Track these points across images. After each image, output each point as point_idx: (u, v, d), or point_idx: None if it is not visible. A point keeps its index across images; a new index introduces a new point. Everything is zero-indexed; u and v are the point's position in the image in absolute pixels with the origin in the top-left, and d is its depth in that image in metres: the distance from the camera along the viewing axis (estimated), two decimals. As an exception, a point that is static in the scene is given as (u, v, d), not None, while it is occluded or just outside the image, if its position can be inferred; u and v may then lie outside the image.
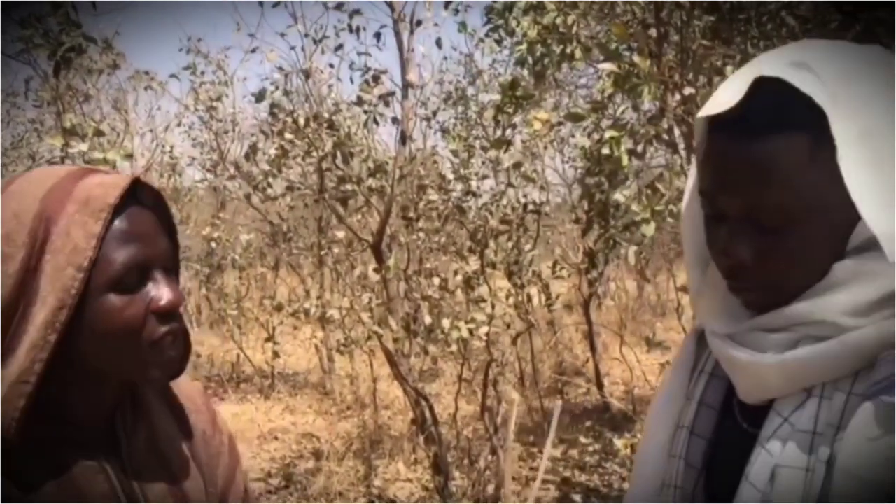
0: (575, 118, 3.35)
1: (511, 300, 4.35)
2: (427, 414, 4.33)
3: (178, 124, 7.50)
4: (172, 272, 0.91)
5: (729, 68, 3.21)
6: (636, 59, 3.11)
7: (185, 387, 1.06)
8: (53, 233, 0.82)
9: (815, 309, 0.76)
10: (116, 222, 0.84)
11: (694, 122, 0.84)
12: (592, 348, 6.10)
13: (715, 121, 0.77)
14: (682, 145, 3.46)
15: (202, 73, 6.41)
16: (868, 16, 2.99)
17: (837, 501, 0.71)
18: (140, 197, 0.88)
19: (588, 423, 5.73)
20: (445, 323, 3.63)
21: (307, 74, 4.70)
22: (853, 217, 0.73)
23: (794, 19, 3.41)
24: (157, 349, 0.87)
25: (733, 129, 0.75)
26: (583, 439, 5.48)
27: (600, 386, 6.09)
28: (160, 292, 0.87)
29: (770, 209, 0.75)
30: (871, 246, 0.73)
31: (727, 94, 0.75)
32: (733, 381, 0.85)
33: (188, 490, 0.97)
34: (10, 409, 0.80)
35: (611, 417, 5.81)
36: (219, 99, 6.60)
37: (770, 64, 0.74)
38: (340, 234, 4.47)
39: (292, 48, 4.98)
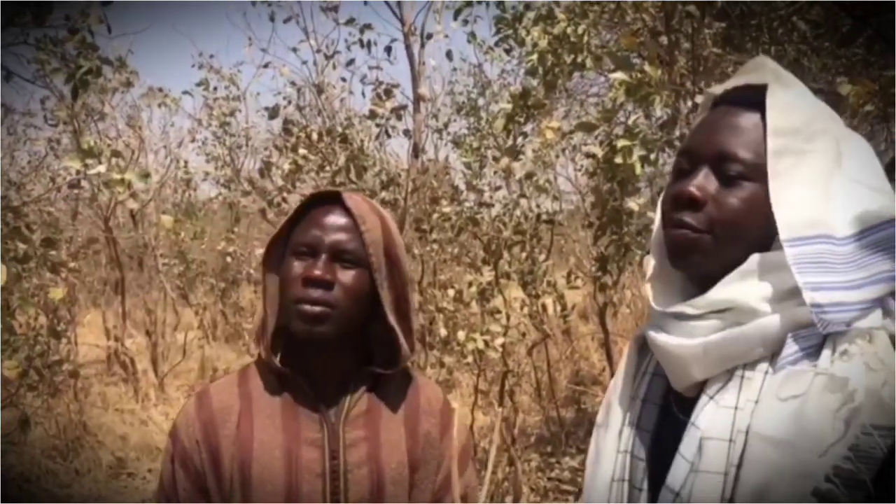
0: (587, 128, 3.35)
1: (526, 310, 4.35)
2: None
3: (192, 140, 7.56)
4: (346, 263, 1.18)
5: (741, 75, 3.20)
6: (647, 68, 3.11)
7: (429, 391, 1.29)
8: None
9: (737, 296, 0.87)
10: (310, 213, 1.21)
11: (702, 99, 1.01)
12: (609, 357, 6.07)
13: (717, 101, 0.96)
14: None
15: (215, 88, 6.46)
16: (878, 20, 2.98)
17: (750, 463, 0.80)
18: (345, 206, 1.19)
19: (606, 433, 5.69)
20: (461, 335, 3.64)
21: (319, 89, 4.73)
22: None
23: (805, 24, 3.40)
24: (294, 305, 1.15)
25: (727, 103, 0.94)
26: (600, 449, 5.45)
27: (617, 394, 6.06)
28: (314, 266, 1.16)
29: (733, 157, 0.89)
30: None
31: (732, 82, 0.95)
32: (666, 370, 0.95)
33: (385, 468, 1.18)
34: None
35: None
36: (232, 114, 6.65)
37: (771, 70, 0.94)
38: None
39: (304, 63, 5.03)
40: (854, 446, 0.76)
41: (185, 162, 7.65)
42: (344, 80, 5.33)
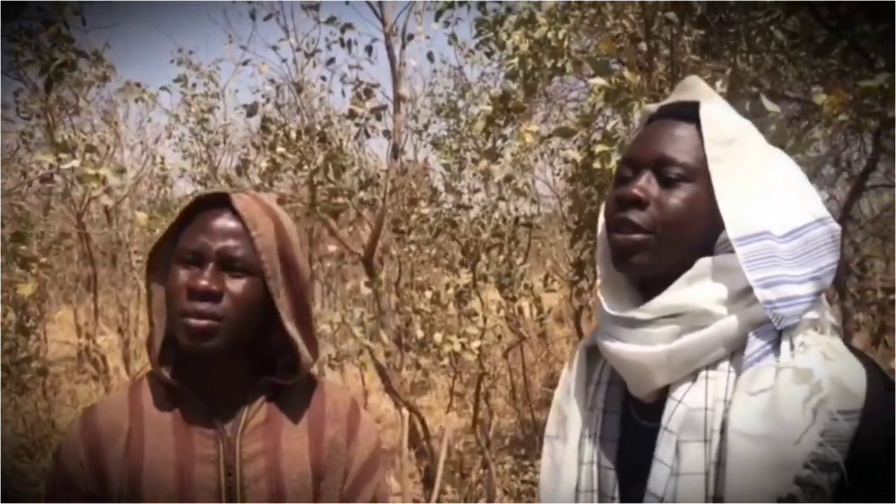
0: (565, 133, 3.37)
1: (502, 313, 4.35)
2: (419, 428, 4.32)
3: (169, 136, 7.47)
4: (236, 271, 1.11)
5: (718, 83, 3.23)
6: (626, 74, 3.13)
7: (336, 396, 1.24)
8: None
9: (689, 300, 0.91)
10: (196, 218, 1.13)
11: (638, 117, 1.14)
12: (584, 360, 6.10)
13: (652, 117, 1.03)
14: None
15: (193, 85, 6.38)
16: (853, 31, 3.02)
17: (734, 460, 0.83)
18: (232, 209, 1.12)
19: (580, 436, 5.72)
20: (437, 337, 3.63)
21: (299, 87, 4.70)
22: (722, 223, 0.93)
23: (782, 34, 3.44)
24: (180, 318, 1.08)
25: (663, 117, 1.00)
26: (574, 452, 5.47)
27: (591, 398, 6.09)
28: (200, 276, 1.08)
29: (673, 161, 0.94)
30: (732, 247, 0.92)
31: (668, 101, 1.02)
32: (626, 379, 0.97)
33: (286, 480, 1.13)
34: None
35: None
36: (210, 111, 6.57)
37: (702, 89, 1.00)
38: (332, 248, 4.46)
39: (284, 61, 4.96)
40: (824, 432, 0.81)
41: (162, 158, 7.56)
42: (324, 78, 5.31)
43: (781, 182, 0.95)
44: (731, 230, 0.91)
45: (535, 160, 5.80)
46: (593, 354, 1.05)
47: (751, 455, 0.83)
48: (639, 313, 0.94)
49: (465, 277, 3.94)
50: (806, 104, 3.54)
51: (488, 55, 4.27)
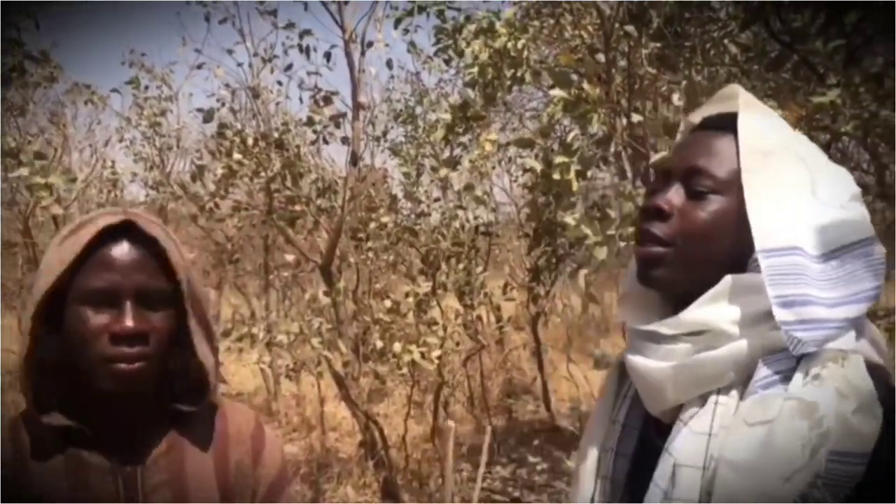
0: (524, 143, 3.38)
1: (460, 320, 4.35)
2: (377, 437, 4.29)
3: (120, 140, 7.29)
4: (154, 304, 1.04)
5: (675, 95, 3.28)
6: (585, 85, 3.15)
7: (240, 417, 1.19)
8: (61, 246, 1.03)
9: (711, 318, 0.86)
10: (100, 250, 1.02)
11: (682, 126, 1.04)
12: (540, 366, 6.15)
13: (698, 127, 0.98)
14: (629, 170, 3.52)
15: (146, 87, 6.24)
16: (804, 47, 3.10)
17: (719, 489, 0.80)
18: (138, 236, 1.04)
19: (536, 442, 5.75)
20: (397, 346, 3.61)
21: (255, 93, 4.64)
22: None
23: (736, 47, 3.51)
24: (104, 364, 1.00)
25: (706, 128, 0.96)
26: (531, 458, 5.50)
27: (548, 404, 6.13)
28: (120, 319, 1.00)
29: (703, 172, 0.90)
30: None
31: (708, 110, 0.98)
32: (640, 393, 0.95)
33: None
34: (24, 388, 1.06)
35: (559, 435, 5.85)
36: (163, 114, 6.43)
37: (742, 97, 0.95)
38: (289, 257, 4.40)
39: (240, 65, 4.89)
40: (821, 473, 0.76)
41: (112, 162, 7.39)
42: (280, 83, 5.25)
43: (825, 199, 0.89)
44: (758, 241, 0.85)
45: (493, 167, 5.83)
46: (625, 369, 1.01)
47: (735, 486, 0.79)
48: (661, 328, 0.90)
49: (424, 286, 3.93)
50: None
51: (447, 63, 4.27)
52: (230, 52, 4.83)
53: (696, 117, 0.99)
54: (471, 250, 4.39)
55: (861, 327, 0.86)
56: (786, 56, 3.16)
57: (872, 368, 0.82)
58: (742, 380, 0.85)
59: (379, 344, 3.72)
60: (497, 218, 5.93)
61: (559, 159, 3.17)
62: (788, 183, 0.89)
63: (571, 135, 3.60)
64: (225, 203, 4.74)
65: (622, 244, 3.08)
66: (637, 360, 0.93)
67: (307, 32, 4.25)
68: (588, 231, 2.94)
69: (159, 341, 1.04)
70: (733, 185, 0.89)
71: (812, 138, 2.89)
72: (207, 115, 4.31)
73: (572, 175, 3.15)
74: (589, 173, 3.64)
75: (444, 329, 3.80)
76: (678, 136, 1.04)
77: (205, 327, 1.12)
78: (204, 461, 1.12)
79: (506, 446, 5.62)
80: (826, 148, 3.28)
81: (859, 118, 2.59)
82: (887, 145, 3.69)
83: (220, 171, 4.31)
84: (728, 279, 0.87)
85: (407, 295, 3.96)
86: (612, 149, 3.44)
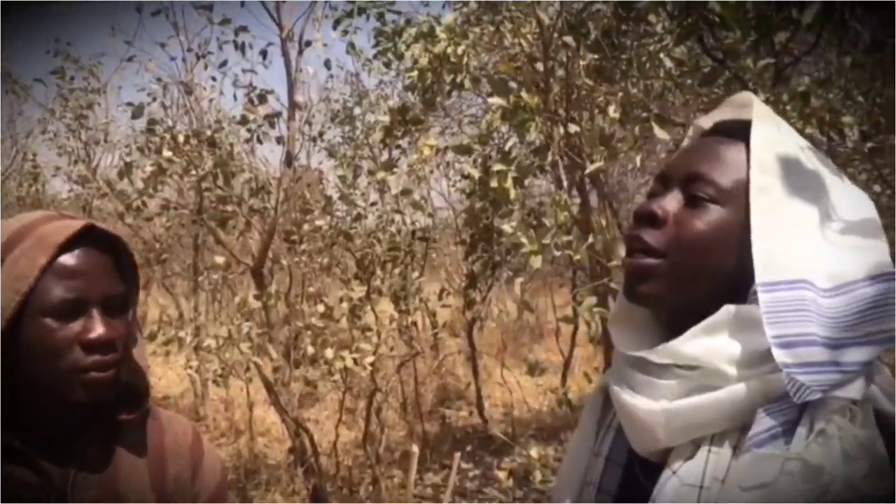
0: (463, 150, 3.37)
1: (395, 325, 4.31)
2: (307, 443, 4.21)
3: (43, 132, 7.00)
4: (117, 310, 1.02)
5: (611, 107, 3.32)
6: (524, 94, 3.17)
7: (178, 428, 1.16)
8: (7, 261, 0.97)
9: (702, 353, 0.77)
10: (62, 259, 0.98)
11: (690, 129, 0.96)
12: (475, 372, 6.15)
13: (706, 133, 0.91)
14: (565, 179, 3.55)
15: (72, 78, 6.00)
16: (736, 64, 3.18)
17: None
18: (95, 240, 1.01)
19: (469, 448, 5.75)
20: (329, 352, 3.54)
21: (188, 88, 4.51)
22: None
23: (670, 61, 3.57)
24: (78, 374, 0.98)
25: (712, 134, 0.89)
26: (464, 465, 5.49)
27: (481, 410, 6.13)
28: (91, 327, 0.98)
29: (705, 178, 0.82)
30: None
31: (719, 115, 0.91)
32: (626, 431, 0.86)
33: None
34: None
35: (491, 442, 5.86)
36: (90, 107, 6.20)
37: (756, 107, 0.87)
38: (220, 259, 4.29)
39: (172, 59, 4.76)
40: None
41: (34, 155, 7.09)
42: (214, 79, 5.11)
43: (842, 226, 0.80)
44: (760, 272, 0.76)
45: (431, 171, 5.81)
46: (609, 396, 0.92)
47: None
48: (651, 356, 0.81)
49: (359, 291, 3.87)
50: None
51: (387, 66, 4.23)
52: (163, 45, 4.68)
53: (707, 122, 0.92)
54: (407, 255, 4.35)
55: (871, 372, 0.76)
56: (718, 72, 3.23)
57: (882, 420, 0.74)
58: (737, 426, 0.77)
59: (310, 349, 3.65)
60: (434, 223, 5.91)
61: (497, 167, 3.17)
62: (800, 206, 0.80)
63: (509, 143, 3.60)
64: (153, 201, 4.59)
65: (557, 253, 3.10)
66: (625, 396, 0.83)
67: (243, 29, 4.15)
68: (524, 239, 2.94)
69: (123, 345, 1.03)
70: (737, 198, 0.81)
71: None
72: (137, 110, 4.16)
73: (509, 183, 3.15)
74: (526, 181, 3.66)
75: (378, 335, 3.76)
76: (685, 141, 0.95)
77: (138, 330, 1.10)
78: (140, 474, 1.09)
79: (438, 453, 5.59)
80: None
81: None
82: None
83: (148, 169, 4.17)
84: (727, 310, 0.78)
85: (341, 300, 3.90)
86: (549, 158, 3.46)
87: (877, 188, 4.10)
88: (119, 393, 1.07)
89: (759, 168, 0.80)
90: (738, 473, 0.73)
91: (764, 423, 0.73)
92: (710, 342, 0.78)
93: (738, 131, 0.84)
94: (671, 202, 0.83)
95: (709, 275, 0.81)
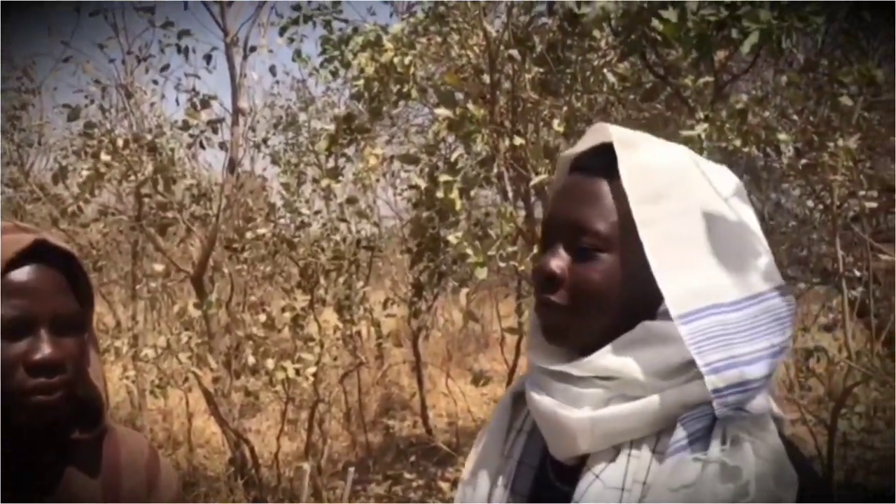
0: (409, 160, 3.37)
1: (338, 334, 4.27)
2: (247, 455, 4.14)
3: (-29, 132, 6.72)
4: (68, 329, 0.97)
5: (556, 120, 3.36)
6: (470, 105, 3.18)
7: (133, 444, 1.14)
8: None
9: (623, 366, 0.83)
10: (9, 275, 0.94)
11: (558, 163, 0.98)
12: (420, 381, 6.13)
13: (573, 166, 0.93)
14: (510, 191, 3.57)
15: (4, 78, 5.80)
16: (676, 82, 3.26)
17: None
18: (47, 256, 0.97)
19: (413, 459, 5.72)
20: (270, 362, 3.49)
21: (128, 92, 4.39)
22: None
23: (613, 76, 3.63)
24: (21, 397, 0.93)
25: (581, 170, 0.90)
26: (407, 475, 5.46)
27: (426, 420, 6.11)
28: (37, 347, 0.94)
29: (586, 230, 0.85)
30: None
31: (582, 145, 0.92)
32: (545, 436, 0.89)
33: None
34: None
35: (435, 452, 5.84)
36: (23, 108, 5.99)
37: (615, 134, 0.89)
38: (159, 267, 4.18)
39: (111, 61, 4.61)
40: None
41: (-38, 156, 6.80)
42: (156, 83, 4.99)
43: (732, 235, 0.85)
44: (673, 308, 0.81)
45: (378, 180, 5.79)
46: (520, 401, 0.96)
47: None
48: (572, 369, 0.86)
49: (301, 300, 3.82)
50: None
51: (333, 74, 4.20)
52: (101, 47, 4.55)
53: (571, 154, 0.95)
54: (351, 264, 4.32)
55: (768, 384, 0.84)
56: (659, 88, 3.30)
57: (778, 424, 0.83)
58: (655, 432, 0.83)
59: (252, 359, 3.59)
60: (380, 232, 5.89)
61: (443, 177, 3.18)
62: (689, 226, 0.84)
63: (456, 153, 3.61)
64: (90, 206, 4.46)
65: (503, 264, 3.12)
66: (545, 403, 0.87)
67: (186, 33, 4.07)
68: (470, 250, 2.95)
69: (74, 366, 0.98)
70: (619, 239, 0.85)
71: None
72: (74, 113, 4.03)
73: (455, 194, 3.16)
74: (472, 192, 3.68)
75: (322, 345, 3.71)
76: (556, 174, 0.99)
77: (94, 347, 1.07)
78: (93, 492, 1.06)
79: (381, 463, 5.55)
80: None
81: (724, 151, 2.73)
82: (748, 176, 3.93)
83: (85, 173, 4.04)
84: (643, 326, 0.85)
85: (283, 309, 3.85)
86: (495, 169, 3.48)
87: (810, 203, 4.25)
88: (72, 412, 1.04)
89: (637, 201, 0.84)
90: (664, 476, 0.78)
91: (683, 429, 0.80)
92: (628, 356, 0.83)
93: (603, 164, 0.88)
94: (563, 259, 0.87)
95: (611, 310, 0.86)
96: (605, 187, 0.87)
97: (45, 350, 0.94)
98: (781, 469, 0.77)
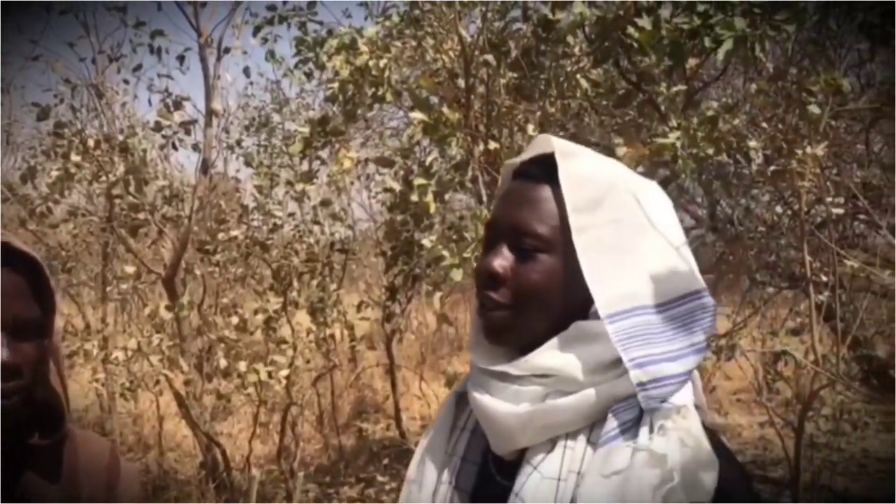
0: (384, 163, 3.37)
1: (311, 337, 4.25)
2: (219, 458, 4.11)
3: (-63, 131, 6.60)
4: (27, 334, 0.96)
5: (530, 126, 3.38)
6: (445, 109, 3.19)
7: (93, 448, 1.12)
8: None
9: (559, 364, 0.89)
10: None
11: (501, 170, 1.04)
12: (393, 384, 6.12)
13: (516, 172, 0.98)
14: (485, 195, 3.58)
15: (-29, 76, 5.70)
16: (649, 89, 3.30)
17: None
18: (10, 260, 0.96)
19: (386, 461, 5.72)
20: (242, 365, 3.46)
21: (99, 91, 4.34)
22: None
23: (587, 82, 3.66)
24: None
25: (524, 176, 0.96)
26: (380, 478, 5.45)
27: (399, 422, 6.11)
28: None
29: (529, 232, 0.91)
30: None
31: (526, 155, 0.98)
32: (487, 432, 0.94)
33: None
34: None
35: (408, 454, 5.83)
36: (-10, 106, 5.90)
37: (556, 145, 0.95)
38: (130, 269, 4.14)
39: (82, 60, 4.55)
40: None
41: (-73, 154, 6.67)
42: (127, 82, 4.94)
43: (658, 244, 0.92)
44: (602, 308, 0.88)
45: (352, 182, 5.78)
46: (463, 400, 1.01)
47: None
48: (510, 369, 0.91)
49: (274, 302, 3.80)
50: (607, 150, 3.80)
51: (307, 76, 4.18)
52: (72, 45, 4.49)
53: (515, 161, 1.00)
54: (325, 267, 4.30)
55: (693, 376, 0.91)
56: (632, 94, 3.34)
57: (699, 413, 0.89)
58: (589, 424, 0.89)
59: (223, 362, 3.56)
60: (355, 234, 5.87)
61: (418, 181, 3.19)
62: (621, 233, 0.91)
63: (430, 157, 3.62)
64: (59, 207, 4.40)
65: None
66: (485, 400, 0.92)
67: (159, 33, 4.03)
68: (445, 253, 2.96)
69: (29, 371, 0.97)
70: (559, 241, 0.91)
71: (652, 175, 3.07)
72: (43, 112, 3.98)
73: (430, 197, 3.17)
74: (447, 196, 3.69)
75: (295, 348, 3.70)
76: (500, 181, 1.04)
77: (55, 352, 1.05)
78: (52, 497, 1.05)
79: (354, 466, 5.54)
80: (665, 184, 3.49)
81: (695, 158, 2.77)
82: (719, 182, 3.99)
83: (55, 173, 3.99)
84: (576, 326, 0.90)
85: (256, 312, 3.82)
86: (470, 173, 3.49)
87: (778, 209, 4.32)
88: (31, 417, 1.03)
89: (573, 209, 0.90)
90: (597, 463, 0.84)
91: (614, 421, 0.86)
92: (563, 354, 0.89)
93: (545, 172, 0.93)
94: (505, 259, 0.92)
95: (554, 309, 0.91)
96: (546, 193, 0.93)
97: (3, 354, 0.94)
98: (703, 455, 0.83)
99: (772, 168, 3.32)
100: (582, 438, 0.88)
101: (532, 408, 0.88)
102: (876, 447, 5.77)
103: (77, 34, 4.34)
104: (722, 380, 6.93)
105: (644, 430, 0.84)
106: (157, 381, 3.60)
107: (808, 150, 2.91)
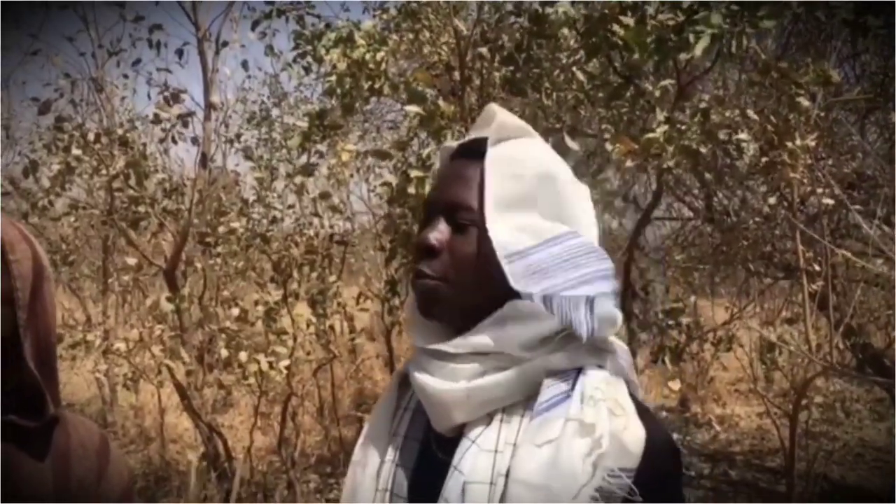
0: (382, 156, 3.40)
1: (311, 328, 4.30)
2: (220, 449, 4.16)
3: (-63, 125, 6.63)
4: None
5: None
6: (440, 102, 3.23)
7: (83, 432, 1.14)
8: None
9: (495, 342, 0.92)
10: None
11: (440, 153, 1.07)
12: (392, 376, 6.17)
13: (454, 154, 1.03)
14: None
15: (-29, 70, 5.73)
16: (640, 81, 3.33)
17: None
18: None
19: (386, 451, 5.76)
20: (243, 355, 3.51)
21: (98, 85, 4.38)
22: None
23: (582, 74, 3.70)
24: None
25: (461, 156, 1.01)
26: (380, 468, 5.50)
27: (398, 413, 6.16)
28: None
29: (462, 206, 0.95)
30: None
31: (469, 136, 1.02)
32: (427, 410, 0.97)
33: None
34: None
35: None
36: (-10, 101, 5.93)
37: (491, 131, 0.99)
38: (131, 261, 4.18)
39: (82, 54, 4.58)
40: (600, 488, 0.84)
41: (-72, 149, 6.71)
42: (126, 77, 4.97)
43: (553, 205, 0.98)
44: (500, 249, 0.92)
45: (351, 175, 5.81)
46: (405, 381, 1.04)
47: (524, 499, 0.85)
48: (447, 347, 0.94)
49: (275, 294, 3.85)
50: (601, 141, 3.83)
51: (306, 70, 4.21)
52: (71, 39, 4.53)
53: (453, 144, 1.05)
54: (325, 259, 4.34)
55: (615, 350, 0.97)
56: (624, 88, 3.37)
57: (629, 387, 0.95)
58: (524, 398, 0.93)
59: (224, 353, 3.61)
60: (354, 227, 5.91)
61: (415, 173, 3.22)
62: (534, 210, 0.96)
63: (428, 149, 3.66)
64: (60, 200, 4.44)
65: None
66: (425, 379, 0.95)
67: (158, 27, 4.06)
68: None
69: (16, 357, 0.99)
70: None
71: (644, 168, 3.10)
72: (44, 106, 4.01)
73: (427, 189, 3.21)
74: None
75: (295, 339, 3.74)
76: (439, 162, 1.07)
77: (40, 344, 1.06)
78: (42, 478, 1.07)
79: (347, 461, 5.59)
80: (658, 176, 3.53)
81: (685, 150, 2.80)
82: (711, 175, 4.02)
83: (56, 167, 4.03)
84: (511, 305, 0.93)
85: (256, 303, 3.87)
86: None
87: (772, 200, 4.35)
88: (10, 400, 1.05)
89: (490, 186, 0.95)
90: (530, 434, 0.88)
91: (547, 393, 0.90)
92: (499, 332, 0.93)
93: (481, 148, 0.98)
94: (442, 232, 0.96)
95: (485, 285, 0.94)
96: (477, 170, 0.97)
97: None
98: (632, 424, 0.88)
99: (764, 160, 3.35)
100: (518, 412, 0.92)
101: (469, 384, 0.92)
102: (872, 436, 5.82)
103: (76, 29, 4.38)
104: (720, 370, 6.99)
105: (576, 400, 0.89)
106: (159, 372, 3.65)
107: (799, 141, 2.95)
